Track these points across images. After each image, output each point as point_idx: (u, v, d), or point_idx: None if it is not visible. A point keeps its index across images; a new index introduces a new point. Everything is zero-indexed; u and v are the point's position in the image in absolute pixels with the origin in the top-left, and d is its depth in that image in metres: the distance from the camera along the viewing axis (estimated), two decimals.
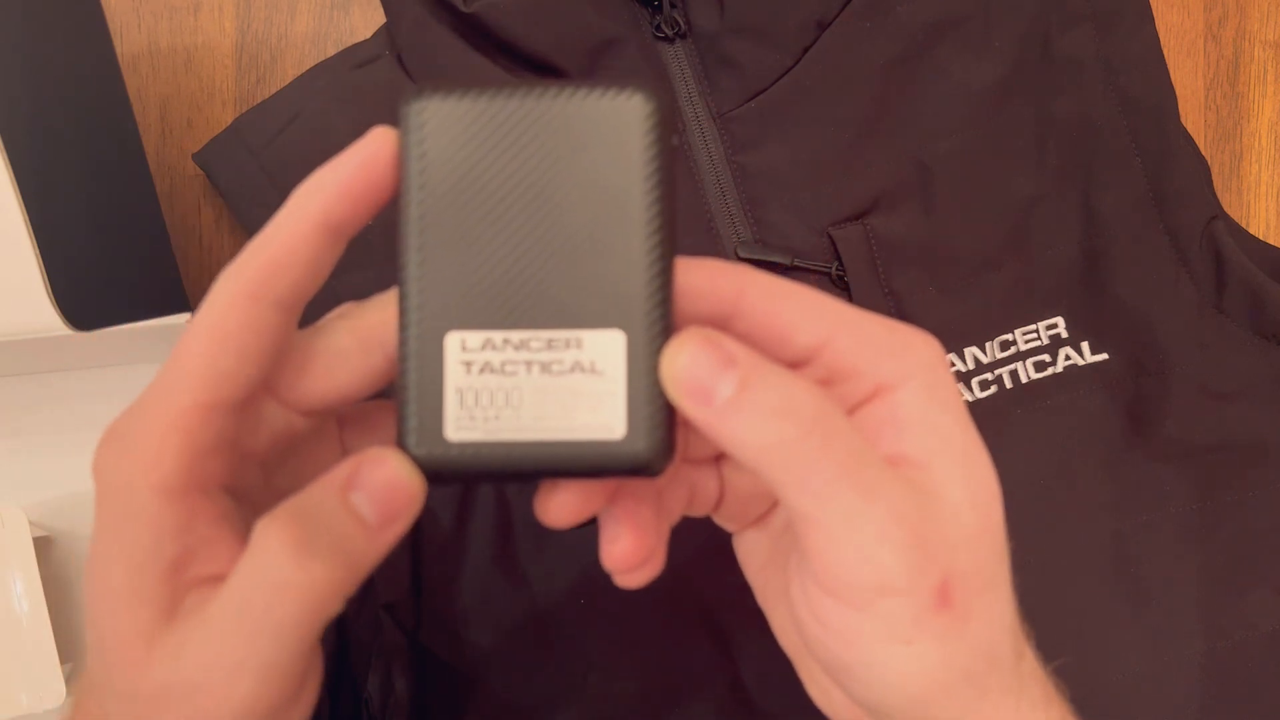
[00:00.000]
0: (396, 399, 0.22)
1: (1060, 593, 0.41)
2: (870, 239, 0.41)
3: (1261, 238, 0.46)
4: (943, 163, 0.42)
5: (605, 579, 0.41)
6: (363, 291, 0.42)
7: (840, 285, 0.42)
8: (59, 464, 0.44)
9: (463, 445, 0.21)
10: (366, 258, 0.42)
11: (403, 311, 0.22)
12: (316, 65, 0.43)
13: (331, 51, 0.46)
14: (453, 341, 0.22)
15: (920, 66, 0.42)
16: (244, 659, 0.21)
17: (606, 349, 0.22)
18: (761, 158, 0.42)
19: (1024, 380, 0.42)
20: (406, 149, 0.22)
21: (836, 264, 0.41)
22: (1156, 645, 0.41)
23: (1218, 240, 0.41)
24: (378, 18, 0.46)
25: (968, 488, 0.22)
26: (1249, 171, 0.48)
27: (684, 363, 0.21)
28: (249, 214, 0.42)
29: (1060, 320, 0.42)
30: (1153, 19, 0.42)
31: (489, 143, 0.22)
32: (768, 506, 0.27)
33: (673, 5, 0.41)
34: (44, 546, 0.43)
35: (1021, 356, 0.42)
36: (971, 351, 0.42)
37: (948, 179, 0.42)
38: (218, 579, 0.22)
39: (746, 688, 0.40)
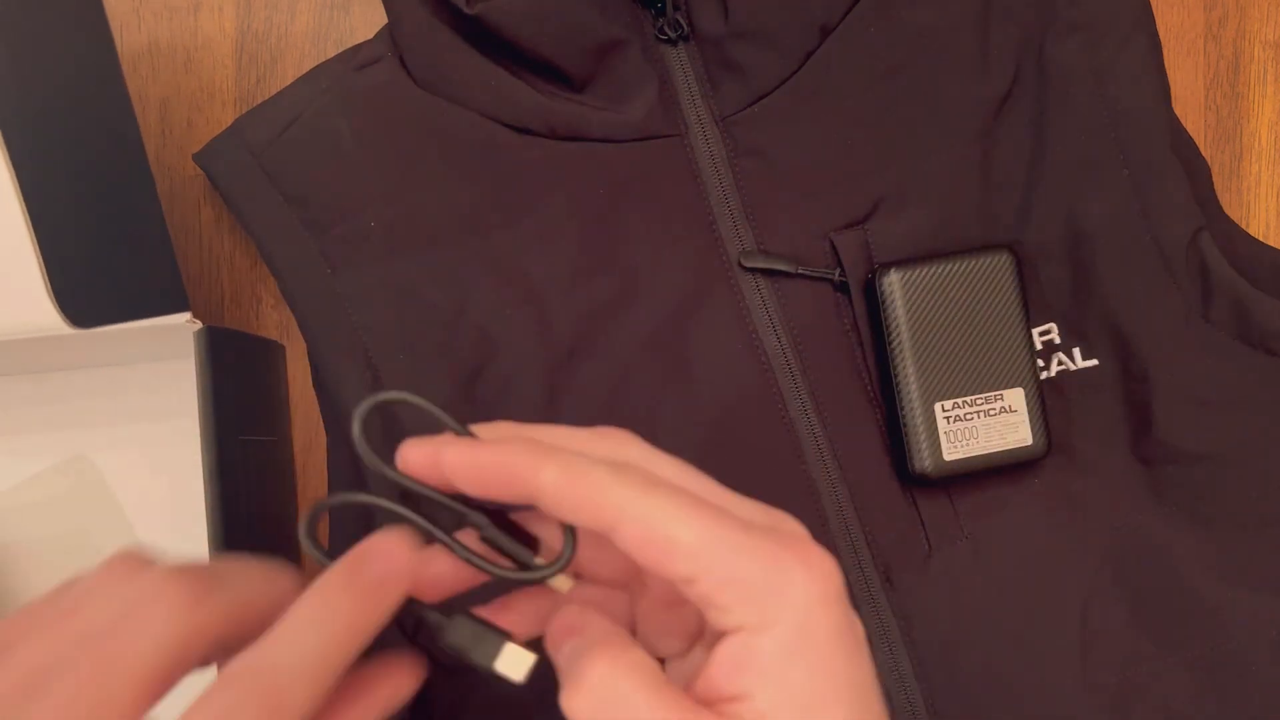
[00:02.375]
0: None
1: (1058, 587, 0.41)
2: (870, 244, 0.42)
3: (1261, 238, 0.46)
4: (942, 169, 0.42)
5: None
6: (364, 291, 0.42)
7: (842, 291, 0.42)
8: (58, 462, 0.44)
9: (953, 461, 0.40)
10: (366, 257, 0.42)
11: (901, 390, 0.41)
12: (318, 66, 0.43)
13: (331, 51, 0.46)
14: (938, 408, 0.40)
15: (921, 72, 0.42)
16: None
17: (1016, 398, 0.41)
18: (764, 162, 0.42)
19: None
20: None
21: (839, 270, 0.42)
22: (1159, 647, 0.41)
23: (1204, 252, 0.41)
24: (378, 18, 0.46)
25: None
26: (1249, 171, 0.48)
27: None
28: (249, 215, 0.42)
29: (1054, 326, 0.42)
30: (1147, 29, 0.42)
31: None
32: (683, 647, 0.27)
33: (676, 8, 0.41)
34: None
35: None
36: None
37: (947, 185, 0.42)
38: None
39: None
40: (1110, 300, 0.42)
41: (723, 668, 0.23)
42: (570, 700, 0.24)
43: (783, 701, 0.22)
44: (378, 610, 0.24)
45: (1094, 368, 0.42)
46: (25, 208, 0.35)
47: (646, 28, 0.42)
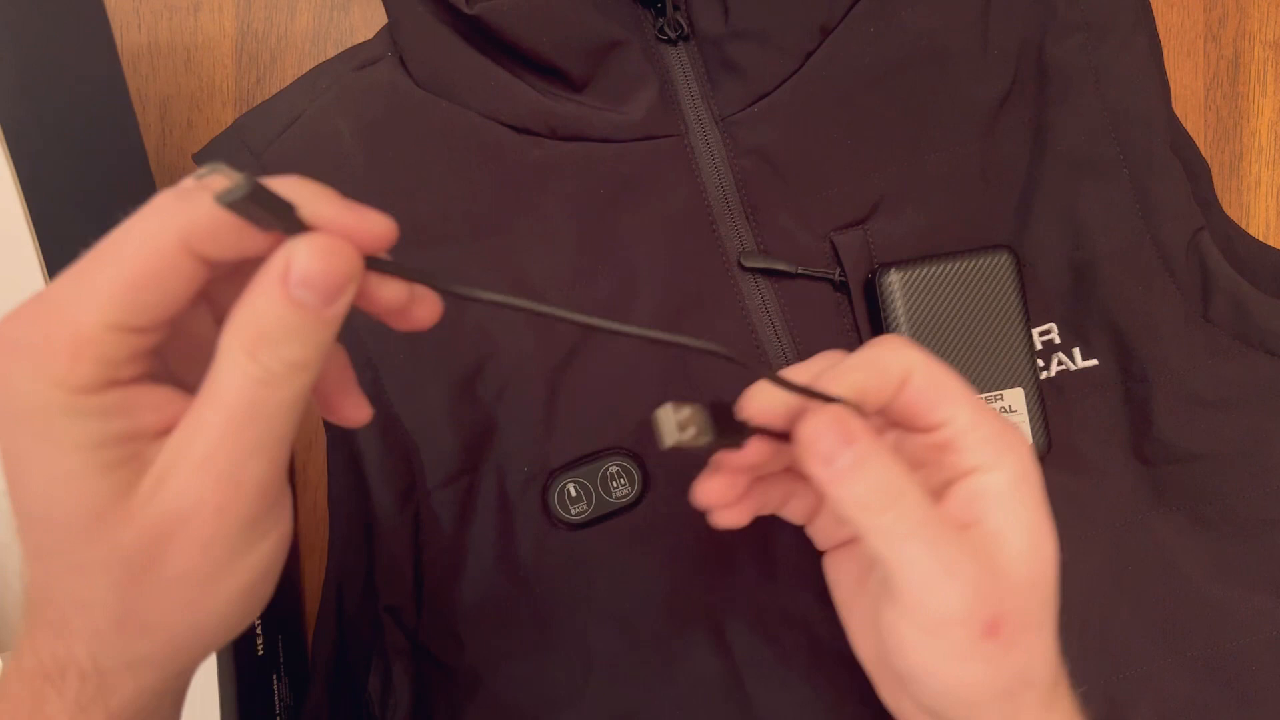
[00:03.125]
0: None
1: (1064, 586, 0.41)
2: (870, 244, 0.42)
3: (1261, 238, 0.46)
4: (942, 169, 0.42)
5: (605, 580, 0.41)
6: None
7: (842, 291, 0.42)
8: None
9: None
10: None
11: None
12: (318, 66, 0.43)
13: (331, 51, 0.46)
14: None
15: (921, 72, 0.42)
16: (232, 470, 0.22)
17: (1016, 398, 0.41)
18: (764, 161, 0.42)
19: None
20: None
21: (839, 270, 0.42)
22: (1159, 647, 0.41)
23: (1203, 251, 0.41)
24: (378, 17, 0.46)
25: (1026, 551, 0.28)
26: (1249, 171, 0.48)
27: (814, 432, 0.27)
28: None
29: (1054, 326, 0.42)
30: (1147, 29, 0.42)
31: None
32: (854, 535, 0.33)
33: (675, 8, 0.41)
34: None
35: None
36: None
37: (947, 185, 0.42)
38: (168, 428, 0.22)
39: (746, 688, 0.40)
40: (1110, 300, 0.42)
41: (959, 502, 0.28)
42: (839, 482, 0.28)
43: (1010, 524, 0.28)
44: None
45: (1094, 368, 0.42)
46: (25, 208, 0.35)
47: (646, 28, 0.42)
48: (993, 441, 0.28)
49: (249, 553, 0.23)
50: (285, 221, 0.22)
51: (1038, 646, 0.29)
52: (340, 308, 0.23)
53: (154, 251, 0.21)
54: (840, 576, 0.34)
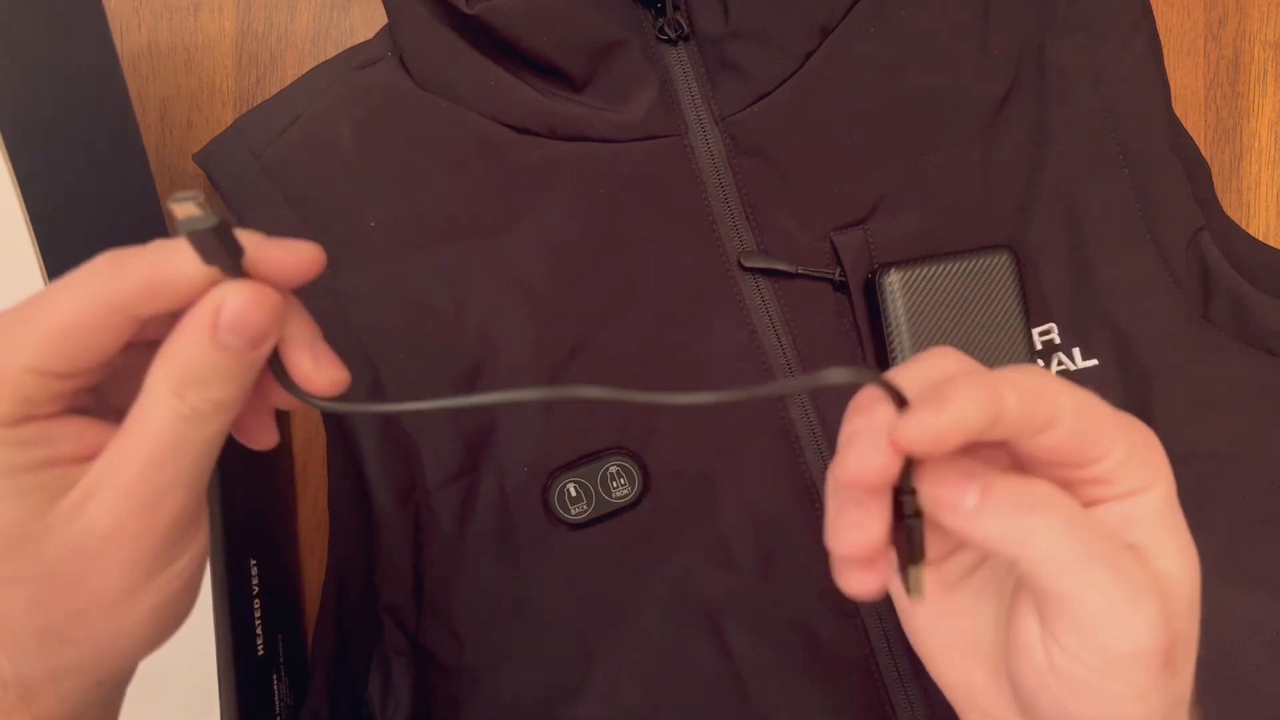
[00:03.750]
0: None
1: None
2: (870, 244, 0.42)
3: (1261, 238, 0.46)
4: (942, 168, 0.42)
5: (606, 580, 0.41)
6: (364, 291, 0.42)
7: (842, 291, 0.42)
8: None
9: None
10: (366, 257, 0.42)
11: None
12: (318, 66, 0.43)
13: (331, 51, 0.46)
14: None
15: (921, 72, 0.42)
16: (153, 498, 0.23)
17: None
18: (764, 161, 0.42)
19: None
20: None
21: (839, 270, 0.42)
22: None
23: (1203, 251, 0.41)
24: (378, 17, 0.46)
25: (1185, 573, 0.26)
26: (1249, 171, 0.48)
27: (930, 488, 0.24)
28: (249, 214, 0.42)
29: (1054, 327, 0.42)
30: (1147, 30, 0.42)
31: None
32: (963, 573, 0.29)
33: (676, 8, 0.41)
34: None
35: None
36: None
37: (947, 185, 0.42)
38: (88, 455, 0.24)
39: (746, 686, 0.40)
40: (1110, 300, 0.42)
41: (1110, 522, 0.26)
42: (977, 521, 0.25)
43: (1169, 545, 0.26)
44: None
45: (1094, 368, 0.42)
46: (25, 208, 0.35)
47: (646, 28, 0.42)
48: (1147, 464, 0.26)
49: (166, 569, 0.25)
50: (229, 262, 0.23)
51: (1190, 667, 0.27)
52: (264, 352, 0.24)
53: (84, 307, 0.23)
54: (943, 619, 0.29)
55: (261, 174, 0.42)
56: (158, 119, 0.46)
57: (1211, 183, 0.43)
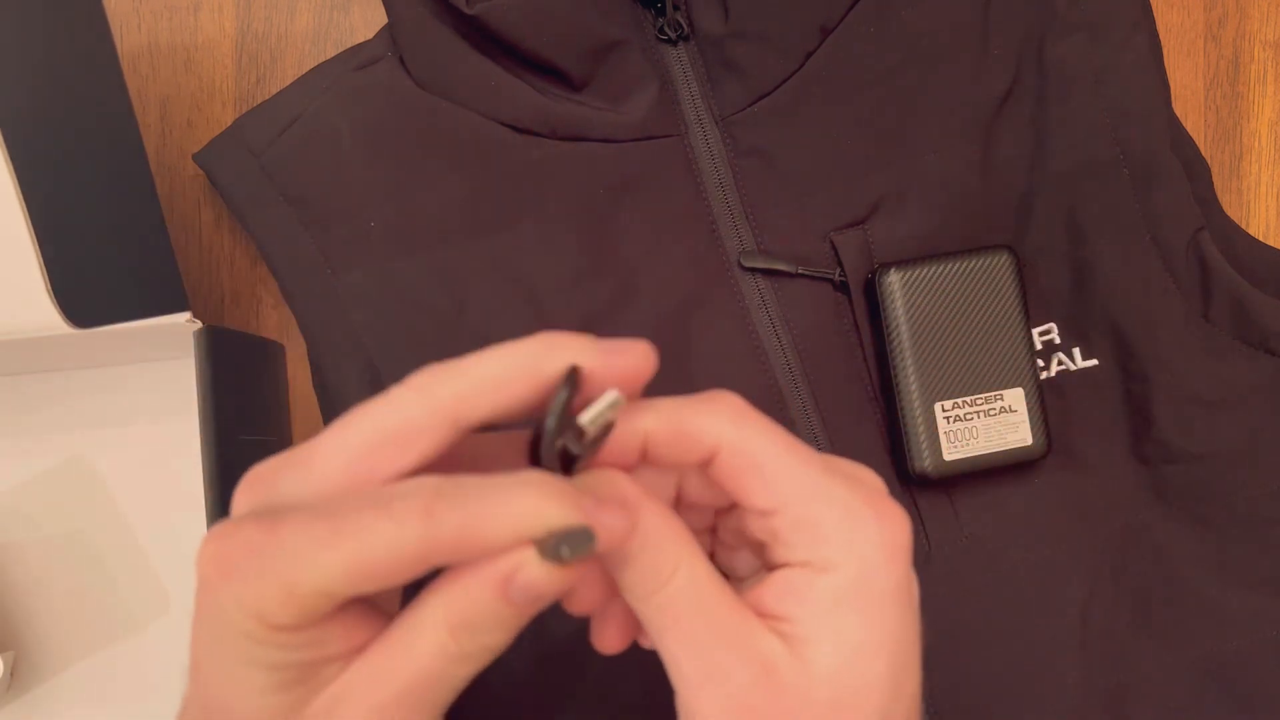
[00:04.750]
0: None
1: (1058, 587, 0.41)
2: (870, 244, 0.42)
3: (1261, 238, 0.46)
4: (942, 168, 0.42)
5: None
6: (364, 291, 0.42)
7: (842, 291, 0.42)
8: (58, 462, 0.44)
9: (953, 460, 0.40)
10: (366, 257, 0.42)
11: (901, 390, 0.41)
12: (318, 66, 0.43)
13: (331, 51, 0.46)
14: (938, 408, 0.40)
15: (922, 72, 0.42)
16: (408, 716, 0.23)
17: (1016, 398, 0.41)
18: (764, 161, 0.42)
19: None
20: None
21: (839, 270, 0.42)
22: (1159, 647, 0.41)
23: (1203, 251, 0.41)
24: (378, 17, 0.46)
25: (834, 671, 0.23)
26: (1249, 171, 0.48)
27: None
28: (249, 215, 0.42)
29: (1054, 326, 0.42)
30: (1147, 29, 0.42)
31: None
32: (745, 574, 0.28)
33: (676, 8, 0.41)
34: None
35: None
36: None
37: (947, 185, 0.42)
38: (349, 651, 0.23)
39: None
40: (1110, 300, 0.42)
41: (774, 590, 0.24)
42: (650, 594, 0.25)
43: (824, 634, 0.23)
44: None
45: (1094, 368, 0.42)
46: (25, 208, 0.35)
47: (646, 28, 0.42)
48: (830, 538, 0.23)
49: None
50: (569, 554, 0.22)
51: None
52: (544, 605, 0.23)
53: (389, 554, 0.21)
54: None
55: (261, 174, 0.42)
56: (158, 119, 0.46)
57: (1211, 183, 0.43)
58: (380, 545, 0.21)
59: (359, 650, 0.23)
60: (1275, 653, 0.41)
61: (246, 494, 0.23)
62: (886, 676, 0.24)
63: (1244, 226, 0.46)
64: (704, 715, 0.24)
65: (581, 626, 0.41)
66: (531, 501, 0.21)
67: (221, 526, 0.22)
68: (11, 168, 0.34)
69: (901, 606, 0.24)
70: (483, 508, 0.21)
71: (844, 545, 0.24)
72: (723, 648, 0.23)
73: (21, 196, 0.35)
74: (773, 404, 0.42)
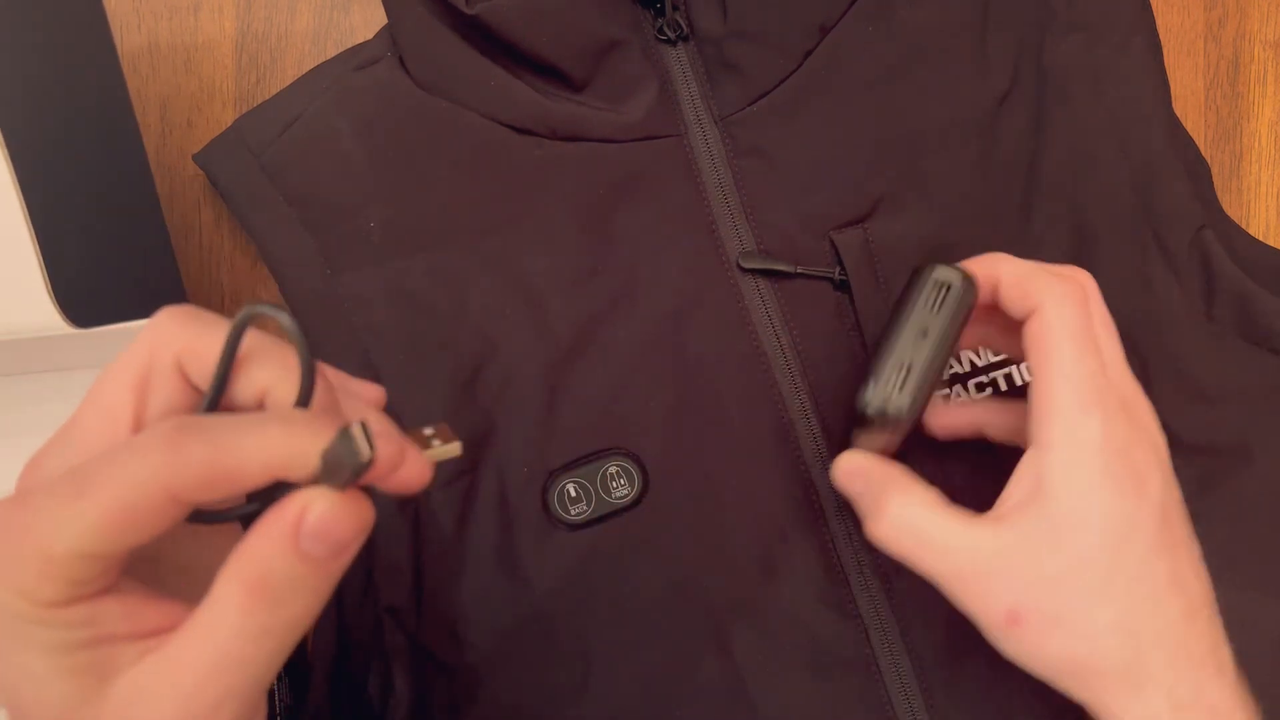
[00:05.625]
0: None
1: None
2: (870, 243, 0.42)
3: (1261, 238, 0.46)
4: (942, 168, 0.42)
5: (606, 580, 0.41)
6: (364, 291, 0.42)
7: (842, 290, 0.42)
8: None
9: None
10: (366, 257, 0.42)
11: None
12: (318, 66, 0.43)
13: (331, 51, 0.46)
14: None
15: (921, 71, 0.42)
16: (212, 707, 0.22)
17: None
18: (763, 161, 0.42)
19: (1018, 383, 0.42)
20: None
21: (839, 269, 0.42)
22: None
23: (1206, 249, 0.41)
24: (378, 17, 0.46)
25: (1075, 538, 0.31)
26: (1249, 171, 0.48)
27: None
28: (249, 215, 0.42)
29: None
30: (1147, 30, 0.42)
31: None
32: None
33: (675, 8, 0.41)
34: None
35: (1015, 361, 0.42)
36: (967, 355, 0.42)
37: (947, 184, 0.42)
38: (140, 634, 0.22)
39: (747, 687, 0.40)
40: (1111, 299, 0.42)
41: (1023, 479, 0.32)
42: (875, 530, 0.33)
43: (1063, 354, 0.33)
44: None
45: None
46: (25, 208, 0.35)
47: (646, 28, 0.42)
48: (1041, 290, 0.33)
49: None
50: (352, 472, 0.21)
51: (1070, 639, 0.31)
52: (347, 560, 0.22)
53: (135, 493, 0.21)
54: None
55: (261, 174, 0.42)
56: (158, 119, 0.47)
57: (1211, 183, 0.43)
58: (126, 487, 0.21)
59: (152, 633, 0.22)
60: (1276, 652, 0.40)
61: (18, 483, 0.23)
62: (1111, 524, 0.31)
63: (1244, 226, 0.46)
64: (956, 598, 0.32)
65: (583, 628, 0.41)
66: (276, 426, 0.21)
67: None
68: (11, 168, 0.34)
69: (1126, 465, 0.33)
70: (229, 437, 0.21)
71: (1046, 290, 0.33)
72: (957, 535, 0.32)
73: (21, 196, 0.34)
74: (772, 404, 0.42)
